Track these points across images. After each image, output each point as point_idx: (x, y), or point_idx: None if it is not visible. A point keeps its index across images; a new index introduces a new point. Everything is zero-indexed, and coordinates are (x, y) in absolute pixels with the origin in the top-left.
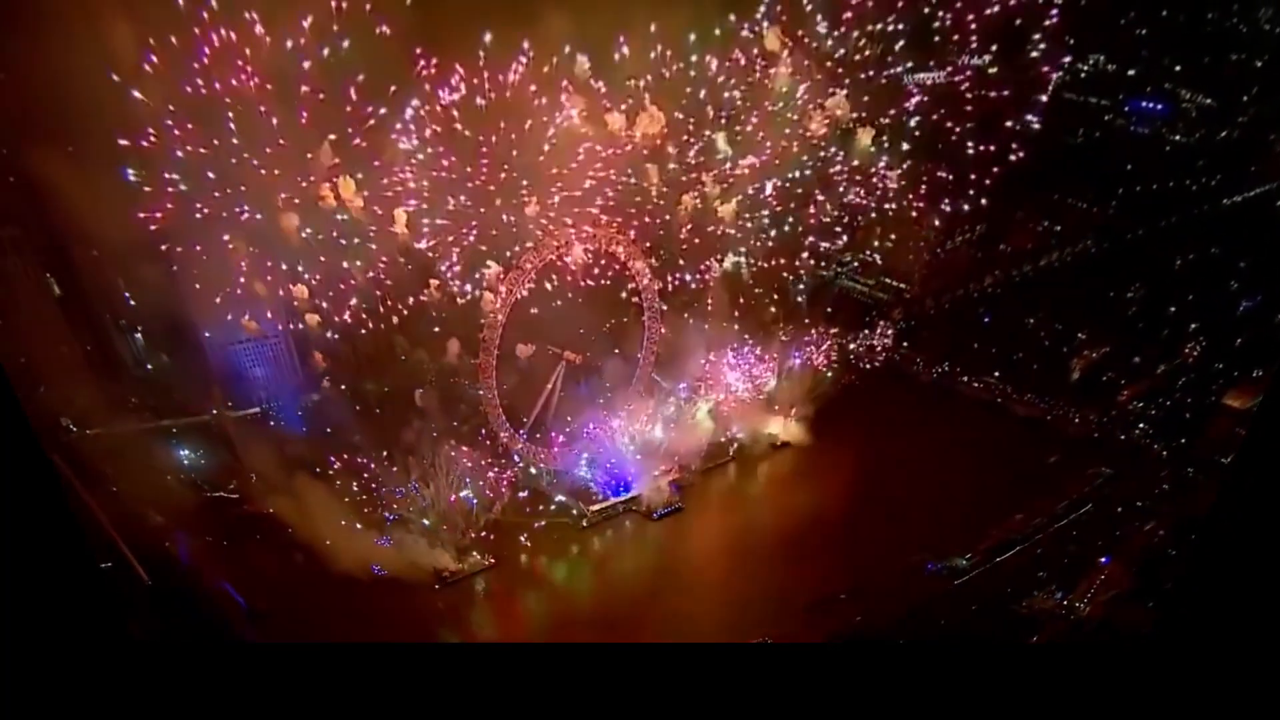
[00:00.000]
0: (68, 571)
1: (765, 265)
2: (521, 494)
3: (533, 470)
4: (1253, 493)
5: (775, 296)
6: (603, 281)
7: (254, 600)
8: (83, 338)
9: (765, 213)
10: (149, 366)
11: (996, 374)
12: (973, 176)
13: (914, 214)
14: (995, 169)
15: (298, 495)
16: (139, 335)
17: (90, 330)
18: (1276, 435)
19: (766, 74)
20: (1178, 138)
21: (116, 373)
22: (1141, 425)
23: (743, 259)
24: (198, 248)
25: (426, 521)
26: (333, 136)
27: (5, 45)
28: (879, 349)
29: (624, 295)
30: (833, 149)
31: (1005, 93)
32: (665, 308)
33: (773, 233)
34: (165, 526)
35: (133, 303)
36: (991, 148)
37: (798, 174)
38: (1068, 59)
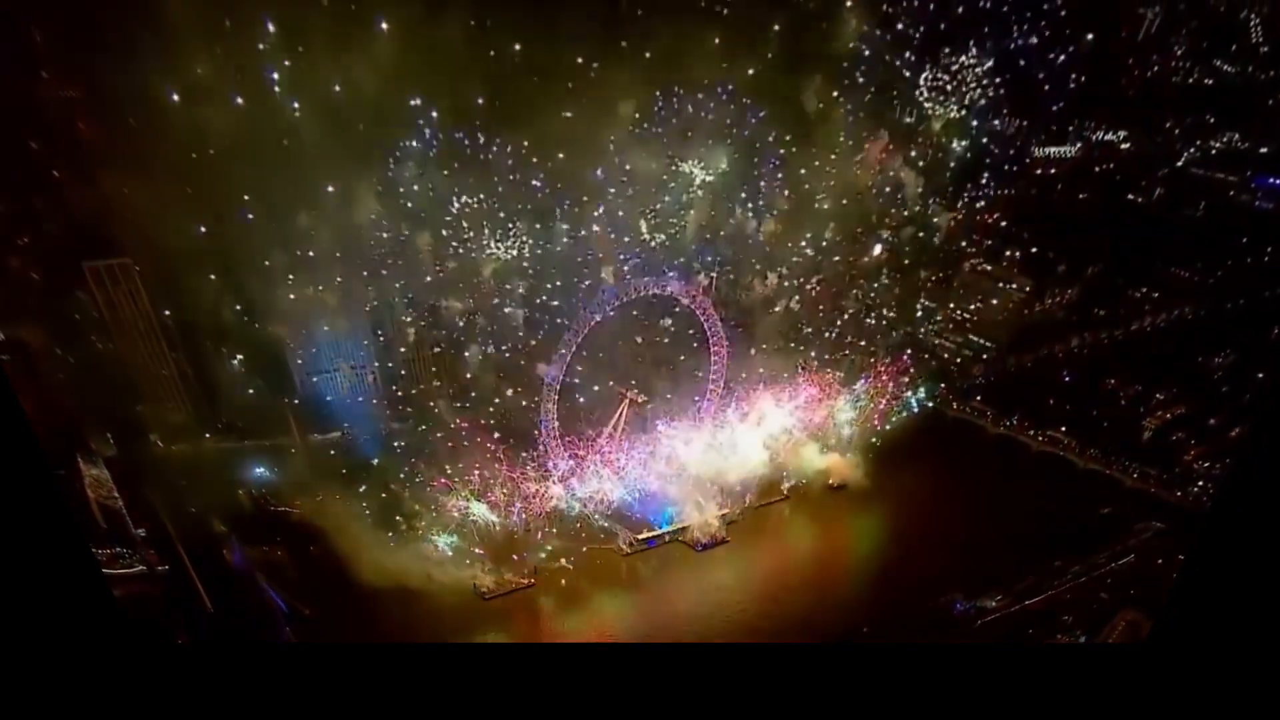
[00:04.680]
0: (68, 573)
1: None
2: (568, 519)
3: (583, 496)
4: (1252, 496)
5: (855, 342)
6: (666, 318)
7: (298, 606)
8: (182, 362)
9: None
10: (243, 391)
11: (1063, 428)
12: (1077, 244)
13: (1012, 278)
14: (1101, 238)
15: (356, 512)
16: (236, 362)
17: (190, 356)
18: (1276, 437)
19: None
20: None
21: (210, 395)
22: (1201, 483)
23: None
24: (292, 278)
25: (455, 541)
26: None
27: (132, 91)
28: (951, 402)
29: (667, 324)
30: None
31: (1132, 167)
32: (729, 345)
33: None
34: (226, 535)
35: (233, 331)
36: (1104, 217)
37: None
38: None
